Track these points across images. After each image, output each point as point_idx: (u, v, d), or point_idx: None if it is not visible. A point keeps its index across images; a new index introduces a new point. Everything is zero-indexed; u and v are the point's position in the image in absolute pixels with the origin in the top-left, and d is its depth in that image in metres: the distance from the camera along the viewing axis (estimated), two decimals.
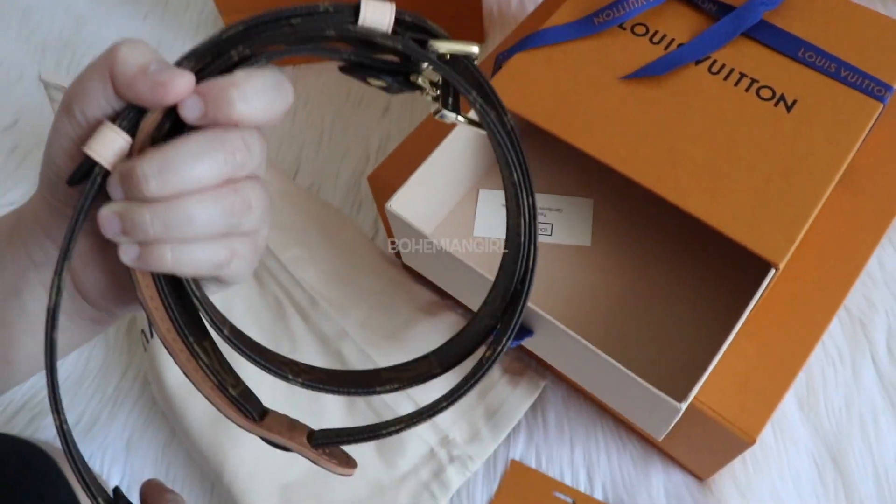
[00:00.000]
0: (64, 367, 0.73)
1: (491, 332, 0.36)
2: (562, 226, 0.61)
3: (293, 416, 0.38)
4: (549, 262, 0.60)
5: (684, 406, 0.47)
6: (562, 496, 0.65)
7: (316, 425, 0.62)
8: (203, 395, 0.35)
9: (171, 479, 0.67)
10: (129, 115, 0.30)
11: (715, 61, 0.56)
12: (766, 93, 0.55)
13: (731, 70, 0.56)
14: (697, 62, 0.56)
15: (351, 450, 0.64)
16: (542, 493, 0.65)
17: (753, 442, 0.53)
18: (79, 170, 0.31)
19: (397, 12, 0.32)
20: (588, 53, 0.57)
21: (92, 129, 0.30)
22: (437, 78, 0.33)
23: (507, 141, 0.32)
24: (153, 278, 0.33)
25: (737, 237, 0.50)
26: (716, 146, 0.53)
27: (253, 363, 0.35)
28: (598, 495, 0.65)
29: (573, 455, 0.67)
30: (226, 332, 0.35)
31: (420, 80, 0.33)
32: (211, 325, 0.34)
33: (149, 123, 0.30)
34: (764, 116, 0.54)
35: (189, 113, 0.29)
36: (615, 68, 0.56)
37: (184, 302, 0.34)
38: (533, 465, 0.66)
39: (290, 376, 0.35)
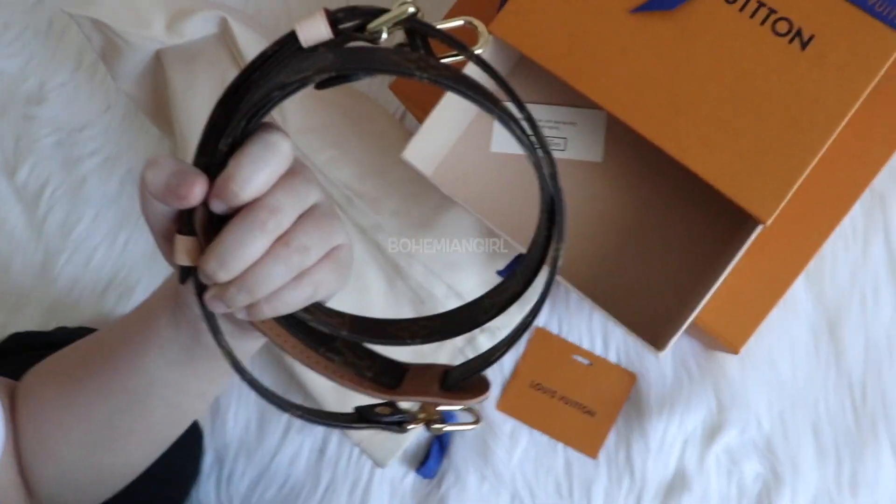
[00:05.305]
0: None
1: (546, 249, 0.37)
2: (575, 140, 0.63)
3: None
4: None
5: (662, 354, 0.53)
6: (580, 359, 0.74)
7: (361, 301, 0.72)
8: (346, 388, 0.42)
9: None
10: (186, 213, 0.37)
11: None
12: (782, 26, 0.53)
13: None
14: None
15: (390, 311, 0.74)
16: (562, 357, 0.75)
17: (737, 352, 0.60)
18: (181, 274, 0.38)
19: (329, 14, 0.34)
20: None
21: (168, 230, 0.38)
22: (402, 40, 0.35)
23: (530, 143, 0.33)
24: (272, 321, 0.41)
25: (728, 192, 0.52)
26: (721, 92, 0.53)
27: (376, 344, 0.41)
28: (612, 359, 0.74)
29: (591, 323, 0.75)
30: (344, 333, 0.41)
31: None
32: (331, 332, 0.41)
33: (198, 221, 0.37)
34: (776, 56, 0.52)
35: (216, 210, 0.36)
36: None
37: (303, 325, 0.41)
38: (555, 332, 0.75)
39: (409, 340, 0.40)
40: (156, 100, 0.80)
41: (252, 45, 0.71)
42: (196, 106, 0.74)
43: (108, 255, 0.85)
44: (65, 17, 0.89)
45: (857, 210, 0.72)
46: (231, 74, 0.73)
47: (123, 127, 0.87)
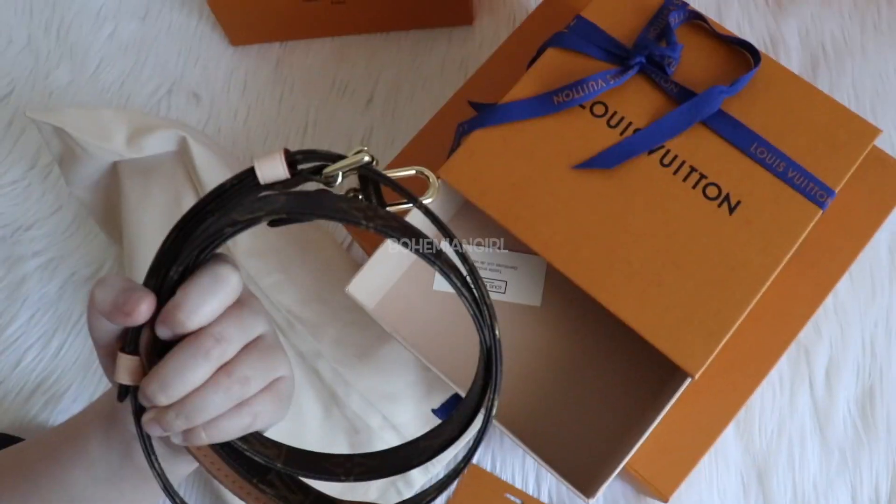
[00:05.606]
0: None
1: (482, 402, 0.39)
2: (515, 284, 0.64)
3: None
4: (499, 321, 0.64)
5: (592, 501, 0.53)
6: (512, 498, 0.74)
7: (295, 426, 0.71)
8: None
9: None
10: (132, 333, 0.37)
11: (668, 151, 0.57)
12: (712, 191, 0.56)
13: (682, 163, 0.57)
14: (650, 152, 0.57)
15: (328, 445, 0.73)
16: (494, 494, 0.74)
17: (667, 500, 0.60)
18: (120, 392, 0.39)
19: (288, 155, 0.36)
20: (544, 136, 0.58)
21: (111, 347, 0.38)
22: (355, 184, 0.38)
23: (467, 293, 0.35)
24: (208, 448, 0.40)
25: (659, 345, 0.54)
26: (654, 249, 0.55)
27: (311, 479, 0.41)
28: (545, 498, 0.73)
29: (525, 461, 0.74)
30: (279, 465, 0.41)
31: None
32: (266, 463, 0.41)
33: (143, 342, 0.37)
34: (706, 218, 0.56)
35: (162, 335, 0.36)
36: (569, 154, 0.58)
37: (238, 454, 0.41)
38: (488, 469, 0.75)
39: (343, 476, 0.41)
40: (107, 207, 0.80)
41: (209, 165, 0.73)
42: (148, 218, 0.74)
43: (40, 359, 0.83)
44: (26, 118, 0.90)
45: (783, 362, 0.75)
46: (185, 190, 0.74)
47: (71, 230, 0.87)
